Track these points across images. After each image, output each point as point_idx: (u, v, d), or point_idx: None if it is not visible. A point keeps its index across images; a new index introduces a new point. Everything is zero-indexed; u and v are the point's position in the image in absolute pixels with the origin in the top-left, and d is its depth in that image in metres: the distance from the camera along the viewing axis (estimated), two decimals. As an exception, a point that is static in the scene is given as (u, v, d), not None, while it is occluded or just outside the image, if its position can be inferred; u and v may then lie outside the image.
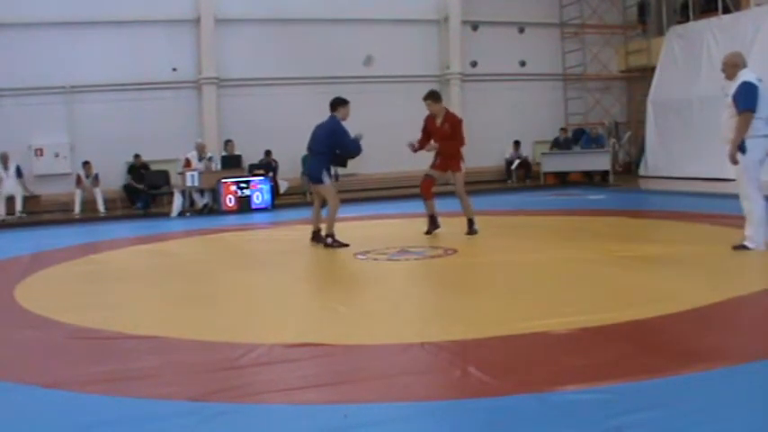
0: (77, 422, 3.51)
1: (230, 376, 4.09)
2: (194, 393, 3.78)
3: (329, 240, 8.79)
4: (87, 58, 16.57)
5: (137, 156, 16.72)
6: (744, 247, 7.17)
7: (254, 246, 10.59)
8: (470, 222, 9.38)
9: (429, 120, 9.52)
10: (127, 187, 16.82)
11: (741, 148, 7.06)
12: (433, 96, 9.42)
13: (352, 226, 11.92)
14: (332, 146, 8.92)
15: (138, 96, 17.16)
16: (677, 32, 18.64)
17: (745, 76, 7.18)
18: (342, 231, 11.30)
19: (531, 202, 14.36)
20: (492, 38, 19.99)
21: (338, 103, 9.10)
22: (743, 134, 7.01)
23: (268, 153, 17.29)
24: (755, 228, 7.13)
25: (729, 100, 7.16)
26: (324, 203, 9.18)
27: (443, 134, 9.32)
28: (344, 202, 16.47)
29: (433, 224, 9.54)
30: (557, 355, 4.21)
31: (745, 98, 6.97)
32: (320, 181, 8.92)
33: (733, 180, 7.52)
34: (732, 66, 7.34)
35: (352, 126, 9.37)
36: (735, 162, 7.10)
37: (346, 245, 8.73)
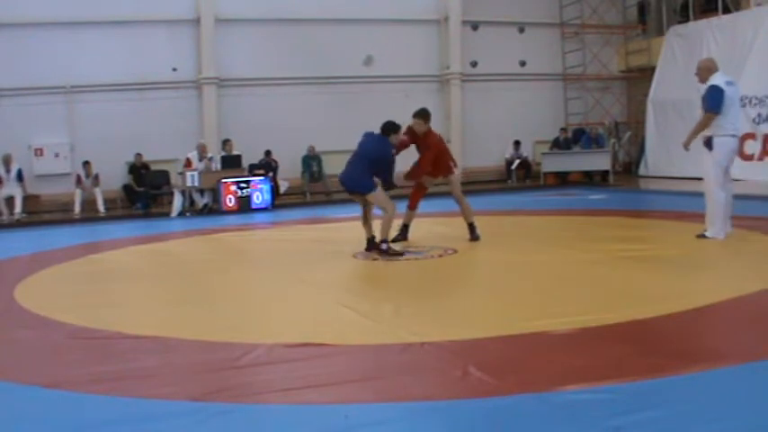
0: (77, 422, 3.52)
1: (230, 376, 4.09)
2: (194, 393, 3.78)
3: (384, 246, 8.10)
4: (87, 58, 16.57)
5: (138, 154, 16.71)
6: (704, 236, 7.92)
7: (254, 246, 10.60)
8: (472, 228, 8.96)
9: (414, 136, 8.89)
10: (126, 188, 16.81)
11: (709, 144, 7.84)
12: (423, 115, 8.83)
13: (353, 226, 11.92)
14: (378, 164, 8.23)
15: (138, 96, 17.17)
16: (677, 32, 18.63)
17: (714, 79, 7.89)
18: (342, 231, 11.32)
19: (531, 202, 14.36)
20: (492, 38, 19.98)
21: (392, 130, 8.33)
22: (701, 129, 7.87)
23: (268, 153, 17.29)
24: (714, 219, 7.87)
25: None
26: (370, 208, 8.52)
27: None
28: (344, 202, 16.59)
29: (404, 235, 9.11)
30: (557, 355, 4.21)
31: (711, 100, 7.75)
32: (369, 190, 8.17)
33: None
34: (706, 70, 8.03)
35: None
36: (686, 148, 7.98)
37: (400, 254, 8.06)
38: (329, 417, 3.43)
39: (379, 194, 8.18)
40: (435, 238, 9.25)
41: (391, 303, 5.72)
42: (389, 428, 3.32)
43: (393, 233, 8.51)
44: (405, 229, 9.22)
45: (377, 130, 8.35)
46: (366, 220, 8.53)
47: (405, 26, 19.37)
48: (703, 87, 8.06)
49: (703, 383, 3.62)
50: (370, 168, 8.20)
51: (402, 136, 8.59)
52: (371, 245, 8.40)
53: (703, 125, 7.85)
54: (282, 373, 4.10)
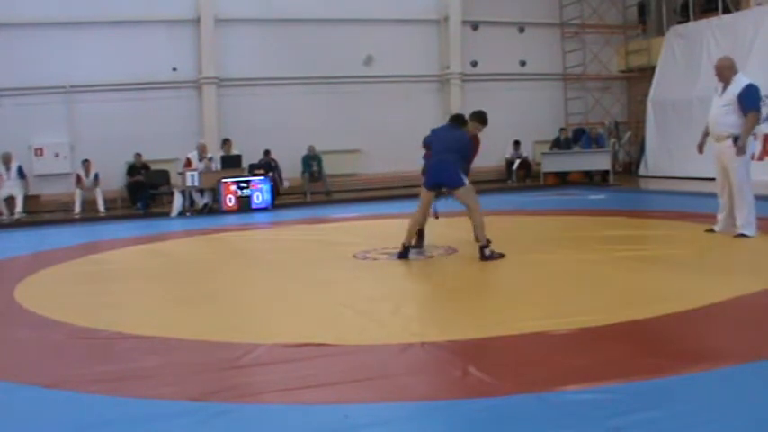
0: (77, 422, 3.52)
1: (230, 376, 4.09)
2: (194, 393, 3.78)
3: (487, 251, 7.42)
4: (87, 58, 16.58)
5: (137, 154, 16.71)
6: (744, 235, 7.81)
7: (254, 246, 10.59)
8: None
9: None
10: (130, 185, 16.78)
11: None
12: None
13: (352, 226, 11.94)
14: (465, 156, 7.90)
15: (138, 96, 17.17)
16: (677, 32, 18.63)
17: (744, 78, 7.90)
18: (342, 231, 11.33)
19: (531, 201, 14.36)
20: (492, 38, 19.99)
21: (464, 122, 8.12)
22: (751, 131, 7.80)
23: (267, 153, 17.28)
24: (751, 218, 7.84)
25: (731, 98, 7.80)
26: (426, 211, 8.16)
27: None
28: (344, 201, 16.61)
29: (420, 242, 8.57)
30: (557, 355, 4.21)
31: (753, 99, 7.77)
32: (460, 184, 7.62)
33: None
34: (729, 68, 7.96)
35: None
36: (743, 153, 7.77)
37: (502, 255, 7.48)
38: (329, 417, 3.43)
39: (469, 190, 7.69)
40: (435, 237, 9.23)
41: (391, 303, 5.71)
42: (389, 428, 3.32)
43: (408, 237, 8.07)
44: (420, 234, 8.67)
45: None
46: (421, 223, 8.04)
47: (405, 26, 19.37)
48: (721, 86, 7.98)
49: (704, 384, 3.62)
50: (459, 162, 7.70)
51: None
52: (406, 252, 7.84)
53: (753, 126, 7.80)
54: (282, 373, 4.10)
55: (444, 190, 7.98)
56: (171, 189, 15.95)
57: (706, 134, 8.28)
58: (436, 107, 19.86)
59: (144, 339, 4.97)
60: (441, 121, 19.44)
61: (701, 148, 8.39)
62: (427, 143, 8.26)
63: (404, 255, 7.86)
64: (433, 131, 8.27)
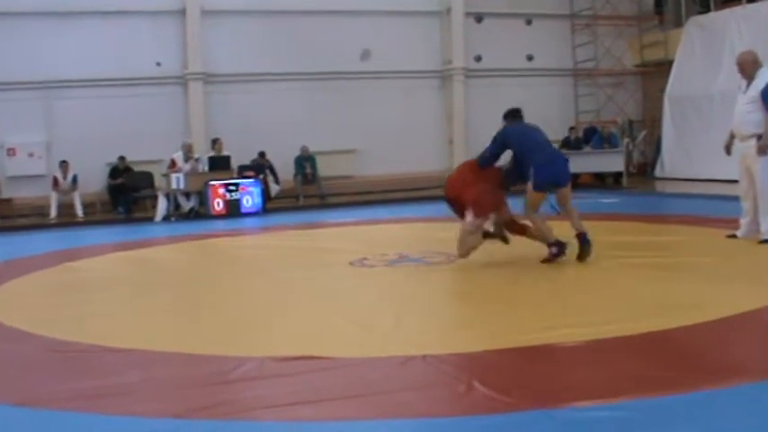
0: (54, 441, 3.52)
1: (218, 392, 4.09)
2: (179, 410, 3.78)
3: (554, 251, 7.62)
4: (66, 52, 16.60)
5: (121, 158, 16.73)
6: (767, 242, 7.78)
7: (243, 252, 10.59)
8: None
9: None
10: (111, 188, 16.78)
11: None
12: None
13: (348, 231, 11.94)
14: None
15: (119, 93, 17.18)
16: (697, 23, 18.65)
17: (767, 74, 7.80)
18: (337, 237, 11.34)
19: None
20: (497, 30, 20.04)
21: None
22: None
23: (262, 154, 17.24)
24: None
25: (755, 94, 7.73)
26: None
27: None
28: (340, 205, 16.63)
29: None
30: (566, 368, 4.22)
31: None
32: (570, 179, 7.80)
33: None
34: (752, 63, 7.90)
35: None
36: (765, 153, 7.69)
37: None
38: (324, 435, 3.44)
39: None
40: (438, 243, 9.24)
41: (391, 313, 5.72)
42: (388, 447, 3.33)
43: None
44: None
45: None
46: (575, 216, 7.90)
47: (404, 18, 19.42)
48: (745, 83, 7.94)
49: (724, 400, 3.62)
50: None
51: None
52: (561, 248, 7.63)
53: None
54: (274, 388, 4.11)
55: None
56: (155, 192, 15.97)
57: (733, 135, 8.26)
58: (437, 104, 19.91)
59: (125, 352, 4.97)
60: (442, 119, 19.66)
61: (728, 149, 8.31)
62: (509, 145, 7.72)
63: (560, 252, 7.59)
64: (514, 130, 7.80)
